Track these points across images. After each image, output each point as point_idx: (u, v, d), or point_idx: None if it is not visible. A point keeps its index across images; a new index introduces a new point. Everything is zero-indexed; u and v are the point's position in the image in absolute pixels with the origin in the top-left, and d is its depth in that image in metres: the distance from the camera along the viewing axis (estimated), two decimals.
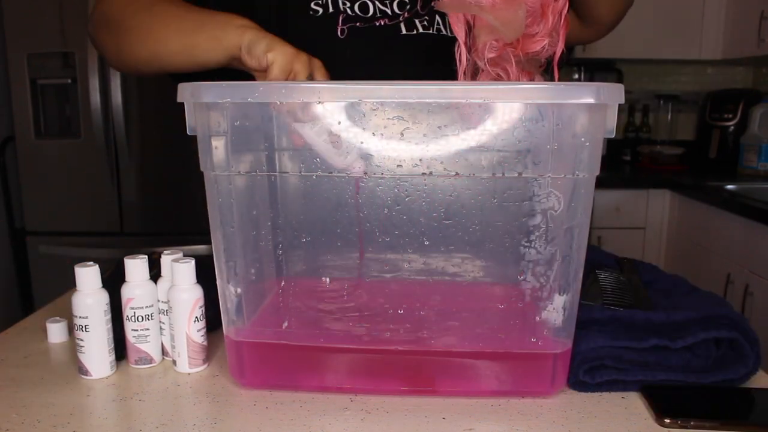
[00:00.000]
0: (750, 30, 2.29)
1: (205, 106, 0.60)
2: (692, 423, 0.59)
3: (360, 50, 0.88)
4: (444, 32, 0.91)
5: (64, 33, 2.02)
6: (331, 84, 0.58)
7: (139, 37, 0.82)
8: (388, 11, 0.90)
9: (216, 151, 0.61)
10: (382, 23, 0.89)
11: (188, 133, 0.62)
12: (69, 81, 2.05)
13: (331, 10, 0.89)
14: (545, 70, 0.77)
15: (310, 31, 0.89)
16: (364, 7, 0.89)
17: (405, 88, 0.57)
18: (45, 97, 2.11)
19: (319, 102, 0.59)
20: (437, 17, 0.90)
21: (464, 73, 0.74)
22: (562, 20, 0.73)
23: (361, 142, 0.60)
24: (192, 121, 0.62)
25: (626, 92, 0.59)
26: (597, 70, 2.77)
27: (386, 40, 0.89)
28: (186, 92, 0.60)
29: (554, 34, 0.72)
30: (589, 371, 0.66)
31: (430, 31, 0.90)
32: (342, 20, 0.88)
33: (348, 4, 0.89)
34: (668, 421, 0.60)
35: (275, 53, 0.71)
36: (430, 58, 0.87)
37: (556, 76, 0.74)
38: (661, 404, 0.62)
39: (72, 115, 2.11)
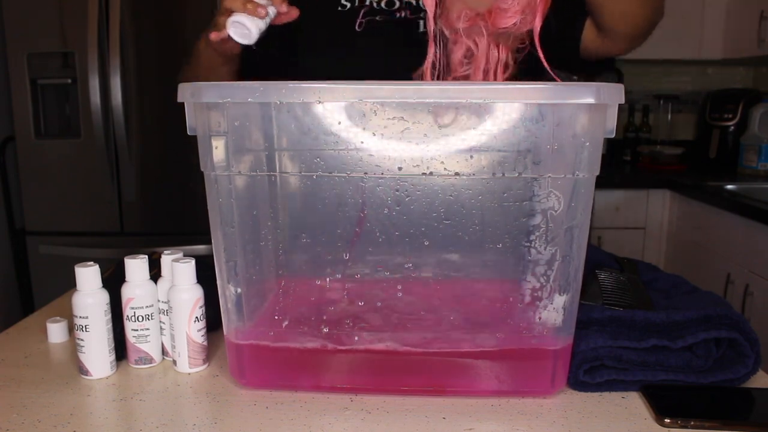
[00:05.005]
0: (750, 30, 2.29)
1: (206, 106, 0.60)
2: (692, 423, 0.59)
3: (375, 44, 0.89)
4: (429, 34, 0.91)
5: (64, 33, 2.02)
6: (331, 84, 0.58)
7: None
8: (413, 2, 0.90)
9: (216, 151, 0.61)
10: (403, 15, 0.89)
11: (188, 133, 0.62)
12: (69, 81, 2.05)
13: (356, 3, 0.90)
14: (530, 47, 0.76)
15: (333, 25, 0.90)
16: (390, 3, 0.90)
17: (405, 88, 0.57)
18: (45, 97, 2.11)
19: (319, 102, 0.59)
20: None
21: (435, 42, 0.74)
22: None
23: (362, 142, 0.60)
24: (192, 121, 0.62)
25: (626, 92, 0.59)
26: (597, 70, 2.77)
27: (402, 34, 0.89)
28: (186, 92, 0.60)
29: (528, 11, 0.72)
30: (589, 371, 0.66)
31: None
32: (363, 14, 0.89)
33: None
34: (668, 421, 0.60)
35: None
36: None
37: (539, 51, 0.73)
38: (661, 404, 0.62)
39: (72, 115, 2.10)
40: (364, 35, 0.89)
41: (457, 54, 0.75)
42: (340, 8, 0.90)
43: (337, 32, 0.91)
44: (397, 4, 0.90)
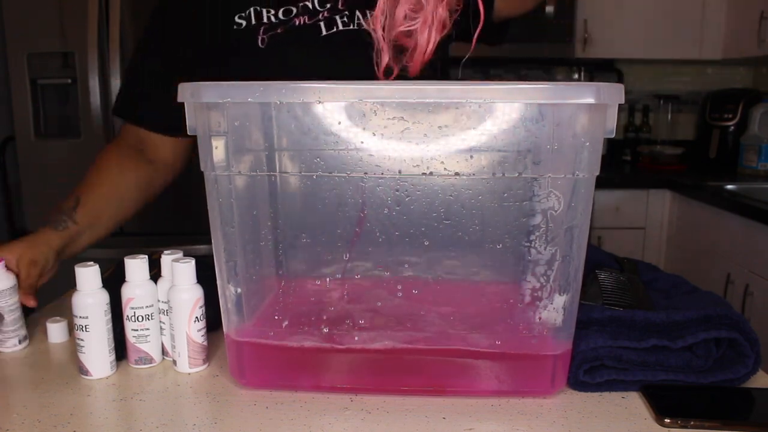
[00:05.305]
0: (750, 30, 2.29)
1: (206, 106, 0.60)
2: (692, 423, 0.59)
3: (281, 57, 0.89)
4: (365, 26, 0.91)
5: (64, 33, 2.02)
6: (331, 84, 0.58)
7: None
8: (309, 5, 0.89)
9: (216, 151, 0.61)
10: (303, 21, 0.89)
11: (188, 132, 0.62)
12: (69, 81, 2.05)
13: (253, 21, 0.89)
14: (466, 11, 0.77)
15: (233, 45, 0.90)
16: (287, 12, 0.89)
17: (405, 88, 0.57)
18: (45, 97, 2.11)
19: (319, 102, 0.59)
20: (357, 12, 0.90)
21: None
22: None
23: (362, 142, 0.60)
24: (192, 121, 0.62)
25: (626, 92, 0.59)
26: (597, 70, 2.77)
27: (307, 42, 0.89)
28: (186, 92, 0.60)
29: None
30: (589, 371, 0.66)
31: (351, 27, 0.90)
32: (263, 30, 0.89)
33: (272, 11, 0.89)
34: (668, 421, 0.60)
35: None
36: (354, 55, 0.88)
37: (481, 9, 0.74)
38: (661, 404, 0.62)
39: (72, 115, 2.10)
40: (270, 50, 0.88)
41: (403, 8, 0.75)
42: (235, 26, 0.90)
43: (239, 53, 0.90)
44: (294, 10, 0.89)
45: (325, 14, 0.90)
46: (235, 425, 0.60)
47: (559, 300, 0.63)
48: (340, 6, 0.90)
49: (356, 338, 0.65)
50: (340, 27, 0.89)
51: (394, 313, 0.66)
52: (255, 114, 0.61)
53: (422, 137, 0.60)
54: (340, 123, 0.60)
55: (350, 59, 0.86)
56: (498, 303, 0.68)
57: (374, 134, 0.60)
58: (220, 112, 0.60)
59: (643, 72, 2.83)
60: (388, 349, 0.65)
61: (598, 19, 2.45)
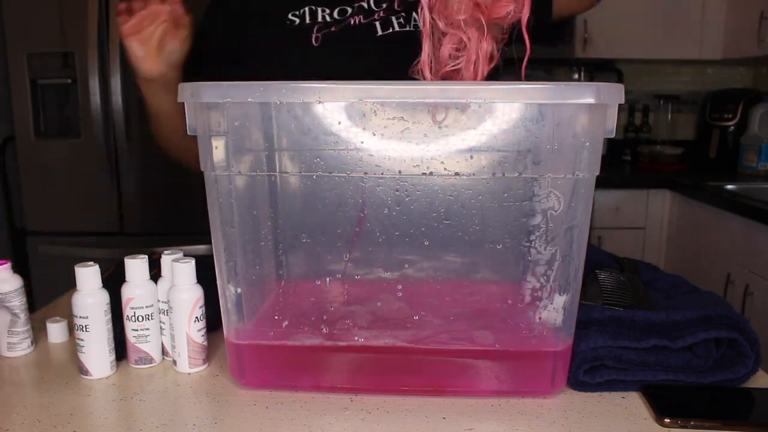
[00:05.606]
0: (750, 30, 2.29)
1: (206, 106, 0.60)
2: (692, 423, 0.59)
3: (335, 56, 0.89)
4: (422, 28, 0.91)
5: (64, 33, 2.02)
6: (331, 84, 0.58)
7: None
8: (365, 5, 0.89)
9: (216, 151, 0.61)
10: (358, 21, 0.89)
11: (188, 132, 0.62)
12: (69, 81, 2.05)
13: (308, 20, 0.89)
14: (511, 38, 0.76)
15: (285, 40, 0.90)
16: (342, 12, 0.89)
17: (405, 88, 0.57)
18: (45, 97, 2.11)
19: (319, 102, 0.59)
20: (414, 14, 0.90)
21: (429, 37, 0.73)
22: None
23: (362, 142, 0.60)
24: (192, 121, 0.62)
25: (626, 92, 0.59)
26: (597, 70, 2.77)
27: (362, 41, 0.89)
28: (186, 92, 0.60)
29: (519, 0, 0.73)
30: (589, 371, 0.66)
31: (407, 28, 0.89)
32: (317, 28, 0.89)
33: (327, 11, 0.89)
34: (668, 421, 0.60)
35: None
36: (409, 55, 0.88)
37: (527, 41, 0.73)
38: (661, 404, 0.62)
39: (72, 115, 2.10)
40: (323, 48, 0.89)
41: (446, 48, 0.74)
42: (288, 22, 0.90)
43: (292, 49, 0.90)
44: (349, 10, 0.89)
45: (381, 14, 0.89)
46: (235, 425, 0.60)
47: (559, 300, 0.63)
48: (396, 6, 0.90)
49: (356, 338, 0.65)
50: (396, 28, 0.89)
51: (394, 313, 0.66)
52: (255, 114, 0.61)
53: (422, 137, 0.60)
54: (340, 123, 0.60)
55: (405, 59, 0.86)
56: (498, 303, 0.68)
57: (374, 134, 0.60)
58: (220, 112, 0.61)
59: (643, 72, 2.83)
60: (389, 348, 0.65)
61: (598, 19, 2.45)
